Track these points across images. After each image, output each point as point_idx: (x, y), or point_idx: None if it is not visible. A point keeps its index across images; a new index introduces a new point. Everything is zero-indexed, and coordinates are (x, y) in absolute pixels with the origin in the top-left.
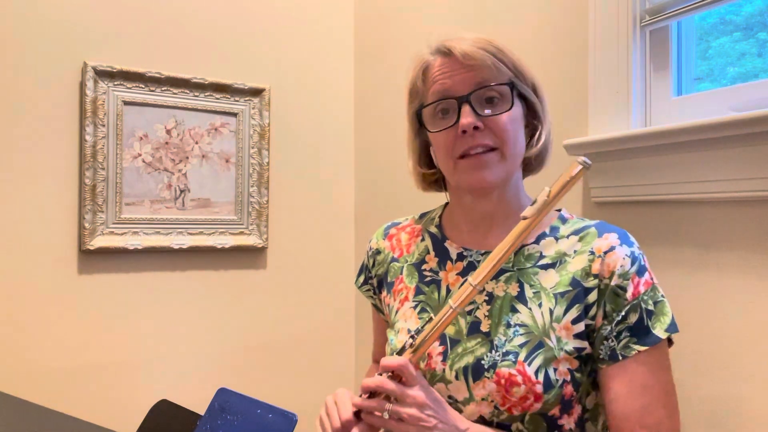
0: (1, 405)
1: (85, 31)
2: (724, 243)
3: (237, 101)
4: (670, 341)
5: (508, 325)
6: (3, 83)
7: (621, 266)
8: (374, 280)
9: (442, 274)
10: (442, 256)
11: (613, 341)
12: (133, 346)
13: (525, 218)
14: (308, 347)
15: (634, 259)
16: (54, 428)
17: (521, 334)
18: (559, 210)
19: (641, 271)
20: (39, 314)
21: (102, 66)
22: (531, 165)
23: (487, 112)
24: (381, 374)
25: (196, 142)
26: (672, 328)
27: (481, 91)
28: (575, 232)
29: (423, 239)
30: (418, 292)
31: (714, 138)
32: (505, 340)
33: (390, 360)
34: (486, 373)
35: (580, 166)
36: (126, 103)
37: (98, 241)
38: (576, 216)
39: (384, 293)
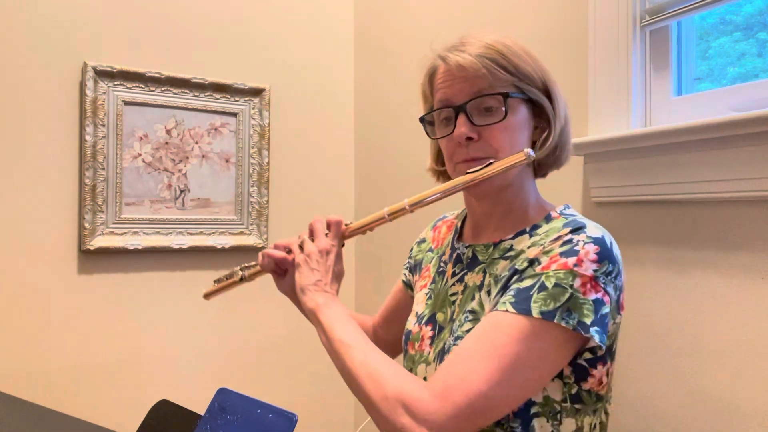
0: (1, 405)
1: (85, 31)
2: (724, 243)
3: (237, 101)
4: (593, 350)
5: (464, 312)
6: (3, 83)
7: (550, 247)
8: (412, 260)
9: (448, 266)
10: (453, 249)
11: (502, 295)
12: (133, 346)
13: (470, 172)
14: (308, 347)
15: (566, 242)
16: (54, 428)
17: (470, 320)
18: (554, 210)
19: (568, 253)
20: (39, 314)
21: (102, 66)
22: (546, 164)
23: (482, 122)
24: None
25: (196, 142)
26: (549, 315)
27: (477, 101)
28: (549, 232)
29: (451, 232)
30: (433, 280)
31: (714, 138)
32: (458, 326)
33: (333, 215)
34: (445, 356)
35: (524, 156)
36: (126, 103)
37: (98, 241)
38: (567, 214)
39: (416, 276)
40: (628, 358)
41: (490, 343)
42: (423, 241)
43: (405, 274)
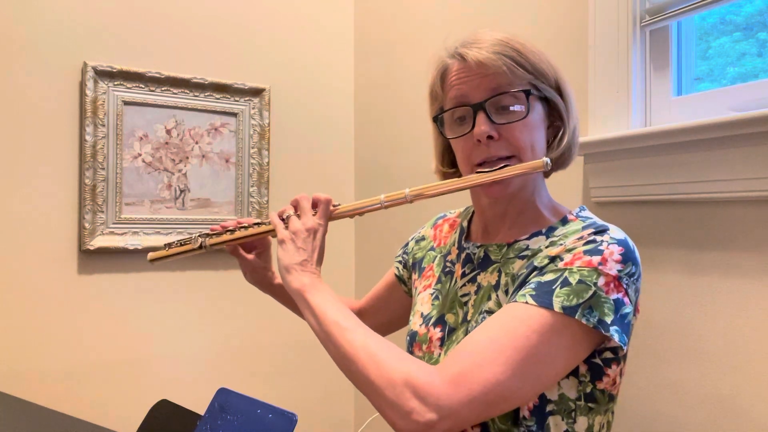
0: (1, 405)
1: (85, 31)
2: (724, 243)
3: (237, 101)
4: (614, 350)
5: (480, 312)
6: (3, 83)
7: (573, 245)
8: (409, 258)
9: (456, 266)
10: (460, 249)
11: (521, 288)
12: (132, 346)
13: (480, 172)
14: (308, 347)
15: (590, 242)
16: (54, 428)
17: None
18: (571, 212)
19: (592, 252)
20: (39, 314)
21: (102, 66)
22: (558, 164)
23: (503, 120)
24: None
25: (196, 142)
26: (570, 311)
27: (497, 98)
28: (567, 233)
29: (456, 232)
30: (438, 281)
31: (714, 138)
32: (475, 326)
33: (320, 193)
34: None
35: (542, 165)
36: (126, 103)
37: (98, 241)
38: (585, 216)
39: (415, 275)
40: (629, 359)
41: (509, 333)
42: (422, 239)
43: (398, 268)
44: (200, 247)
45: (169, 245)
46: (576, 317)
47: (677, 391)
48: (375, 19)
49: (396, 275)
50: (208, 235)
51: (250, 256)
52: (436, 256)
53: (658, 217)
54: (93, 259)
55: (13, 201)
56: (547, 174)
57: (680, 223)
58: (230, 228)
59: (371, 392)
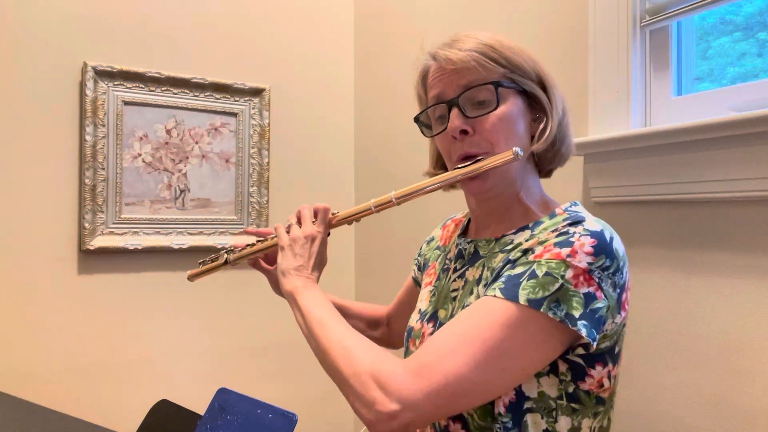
0: (1, 405)
1: (85, 31)
2: (724, 243)
3: (237, 101)
4: (587, 347)
5: (463, 307)
6: (3, 83)
7: (546, 237)
8: (422, 260)
9: (452, 263)
10: (457, 246)
11: (492, 282)
12: (133, 346)
13: (458, 168)
14: (308, 347)
15: (561, 234)
16: (54, 428)
17: None
18: (560, 207)
19: (562, 244)
20: (39, 314)
21: (102, 66)
22: (546, 159)
23: (475, 114)
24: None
25: (196, 142)
26: (535, 304)
27: (470, 93)
28: (549, 226)
29: (459, 230)
30: (438, 278)
31: (714, 138)
32: None
33: (320, 203)
34: None
35: (511, 155)
36: (126, 103)
37: (98, 241)
38: (572, 210)
39: (424, 274)
40: (627, 359)
41: (474, 326)
42: (432, 239)
43: (414, 271)
44: (225, 262)
45: (203, 262)
46: (542, 310)
47: (675, 391)
48: (375, 20)
49: (413, 278)
50: (231, 250)
51: (272, 268)
52: (440, 255)
53: (658, 217)
54: (93, 259)
55: (13, 201)
56: (548, 173)
57: (680, 223)
58: (250, 243)
59: (341, 384)
